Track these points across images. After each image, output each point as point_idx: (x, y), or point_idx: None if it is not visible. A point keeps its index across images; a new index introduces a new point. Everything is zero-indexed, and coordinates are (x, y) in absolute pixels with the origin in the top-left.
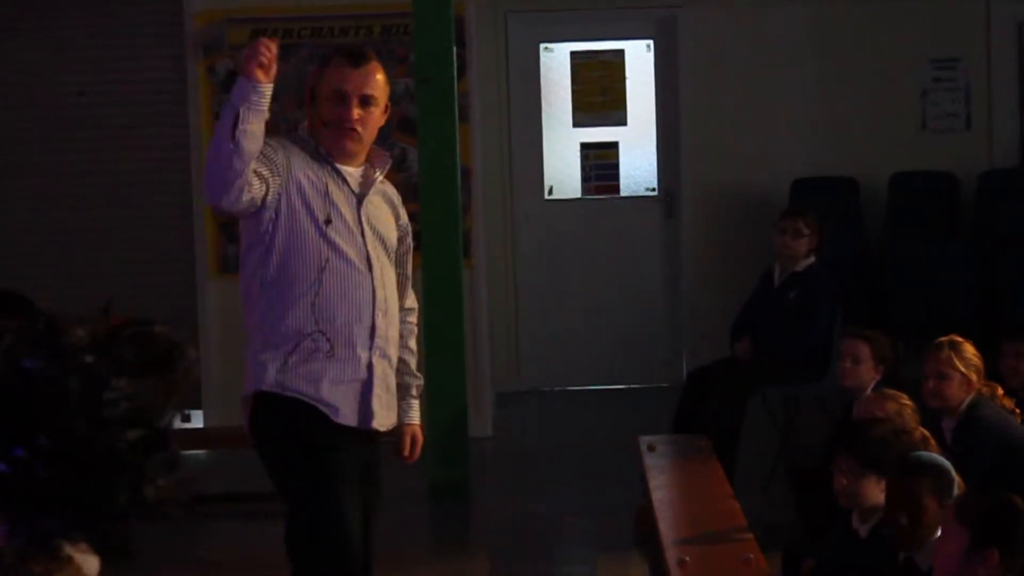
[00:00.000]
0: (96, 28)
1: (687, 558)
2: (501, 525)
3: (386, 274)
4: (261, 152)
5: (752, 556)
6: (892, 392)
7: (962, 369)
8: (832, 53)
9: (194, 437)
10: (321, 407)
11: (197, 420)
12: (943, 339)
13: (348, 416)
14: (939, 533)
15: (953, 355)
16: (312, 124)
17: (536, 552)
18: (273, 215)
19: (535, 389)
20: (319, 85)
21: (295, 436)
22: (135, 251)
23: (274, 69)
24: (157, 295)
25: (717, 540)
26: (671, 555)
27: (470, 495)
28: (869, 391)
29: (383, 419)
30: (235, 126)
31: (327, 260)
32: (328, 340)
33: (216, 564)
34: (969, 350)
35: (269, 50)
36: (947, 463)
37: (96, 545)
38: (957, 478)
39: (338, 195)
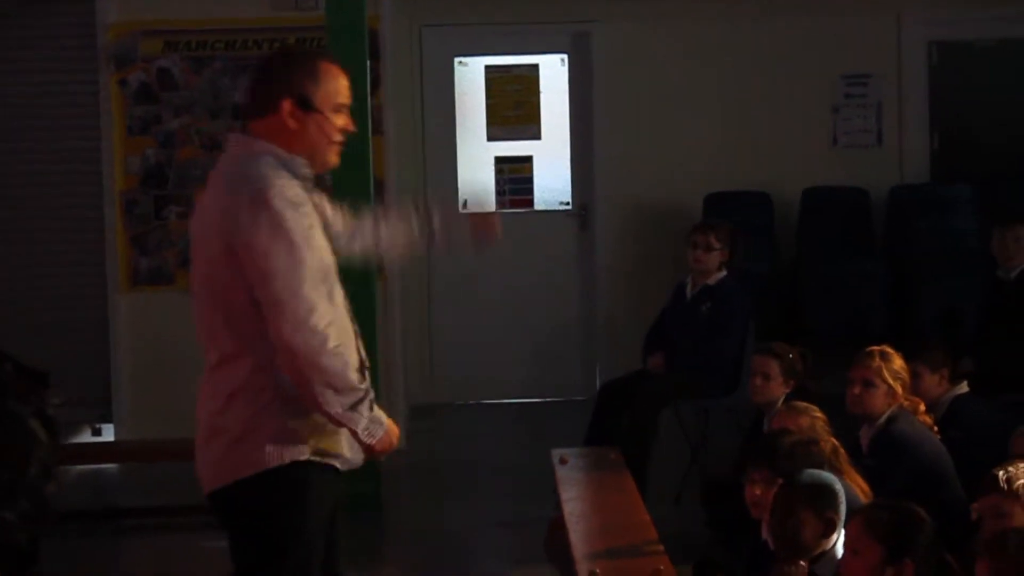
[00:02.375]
0: (10, 37)
1: (598, 571)
2: (414, 538)
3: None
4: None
5: (663, 568)
6: (804, 405)
7: (889, 380)
8: (745, 68)
9: (105, 451)
10: (340, 464)
11: (108, 434)
12: (874, 348)
13: (353, 460)
14: (839, 546)
15: (883, 365)
16: (312, 137)
17: (449, 565)
18: None
19: (449, 402)
20: (315, 93)
21: (312, 512)
22: (47, 263)
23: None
24: (69, 307)
25: (628, 553)
26: (582, 568)
27: (383, 508)
28: (780, 404)
29: None
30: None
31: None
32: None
33: None
34: (898, 362)
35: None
36: (832, 481)
37: None
38: (860, 492)
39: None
